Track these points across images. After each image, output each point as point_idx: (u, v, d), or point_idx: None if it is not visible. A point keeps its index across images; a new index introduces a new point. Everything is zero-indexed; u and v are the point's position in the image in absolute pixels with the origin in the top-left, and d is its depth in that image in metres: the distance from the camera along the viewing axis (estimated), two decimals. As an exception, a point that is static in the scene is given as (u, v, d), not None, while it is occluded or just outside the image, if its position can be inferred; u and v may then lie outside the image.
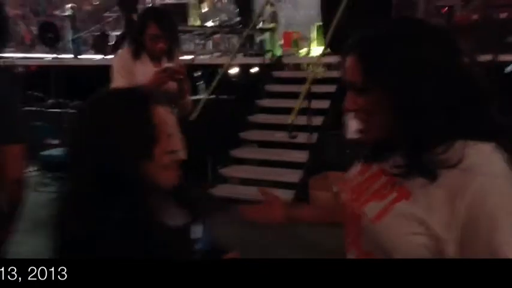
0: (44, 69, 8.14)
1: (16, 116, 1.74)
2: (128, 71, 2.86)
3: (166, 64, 2.82)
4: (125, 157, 1.04)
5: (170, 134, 1.13)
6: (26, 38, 11.89)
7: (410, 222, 0.93)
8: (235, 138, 5.99)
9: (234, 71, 7.11)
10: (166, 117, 1.13)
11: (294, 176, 5.28)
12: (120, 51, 3.08)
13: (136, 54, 2.89)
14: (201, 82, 6.63)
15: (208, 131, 5.60)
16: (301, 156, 5.44)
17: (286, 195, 4.80)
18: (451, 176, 0.91)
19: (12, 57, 8.69)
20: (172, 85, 2.85)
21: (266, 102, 6.35)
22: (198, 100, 5.84)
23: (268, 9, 11.10)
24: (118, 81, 2.79)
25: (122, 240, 1.01)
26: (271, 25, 10.91)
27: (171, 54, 2.95)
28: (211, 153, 5.77)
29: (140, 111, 1.09)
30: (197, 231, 1.17)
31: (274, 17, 10.81)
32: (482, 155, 0.91)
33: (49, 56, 8.86)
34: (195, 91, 6.83)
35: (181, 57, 7.46)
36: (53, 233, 1.07)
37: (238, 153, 5.96)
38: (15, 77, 1.75)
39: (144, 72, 2.85)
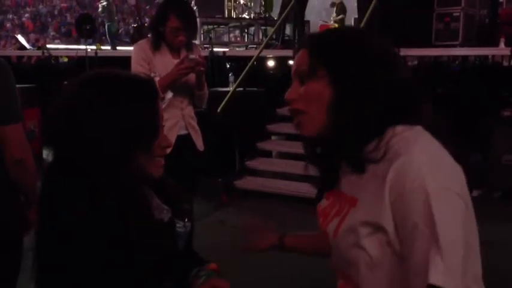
0: (83, 61, 8.30)
1: (15, 97, 1.77)
2: (147, 61, 2.88)
3: (189, 56, 2.82)
4: (126, 144, 1.00)
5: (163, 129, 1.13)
6: (73, 31, 12.20)
7: (357, 228, 0.95)
8: (263, 130, 6.00)
9: (264, 63, 7.08)
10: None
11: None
12: (139, 41, 3.09)
13: (155, 45, 2.89)
14: (231, 74, 6.61)
15: (237, 123, 5.62)
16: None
17: (311, 189, 4.76)
18: (379, 167, 0.94)
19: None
20: (191, 77, 2.87)
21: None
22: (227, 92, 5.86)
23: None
24: (137, 71, 2.81)
25: (115, 228, 0.99)
26: (340, 16, 10.86)
27: (190, 46, 2.97)
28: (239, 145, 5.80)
29: (151, 101, 1.08)
30: (180, 229, 1.15)
31: (342, 9, 10.76)
32: (404, 142, 0.93)
33: (90, 48, 8.99)
34: (226, 83, 6.84)
35: (216, 49, 7.52)
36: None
37: (266, 145, 5.95)
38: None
39: (163, 63, 2.87)
